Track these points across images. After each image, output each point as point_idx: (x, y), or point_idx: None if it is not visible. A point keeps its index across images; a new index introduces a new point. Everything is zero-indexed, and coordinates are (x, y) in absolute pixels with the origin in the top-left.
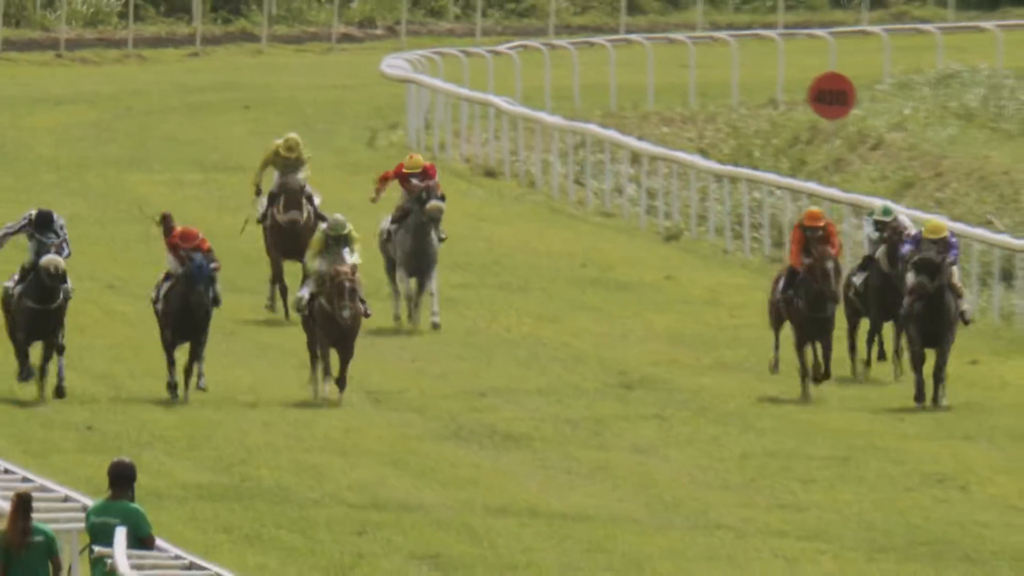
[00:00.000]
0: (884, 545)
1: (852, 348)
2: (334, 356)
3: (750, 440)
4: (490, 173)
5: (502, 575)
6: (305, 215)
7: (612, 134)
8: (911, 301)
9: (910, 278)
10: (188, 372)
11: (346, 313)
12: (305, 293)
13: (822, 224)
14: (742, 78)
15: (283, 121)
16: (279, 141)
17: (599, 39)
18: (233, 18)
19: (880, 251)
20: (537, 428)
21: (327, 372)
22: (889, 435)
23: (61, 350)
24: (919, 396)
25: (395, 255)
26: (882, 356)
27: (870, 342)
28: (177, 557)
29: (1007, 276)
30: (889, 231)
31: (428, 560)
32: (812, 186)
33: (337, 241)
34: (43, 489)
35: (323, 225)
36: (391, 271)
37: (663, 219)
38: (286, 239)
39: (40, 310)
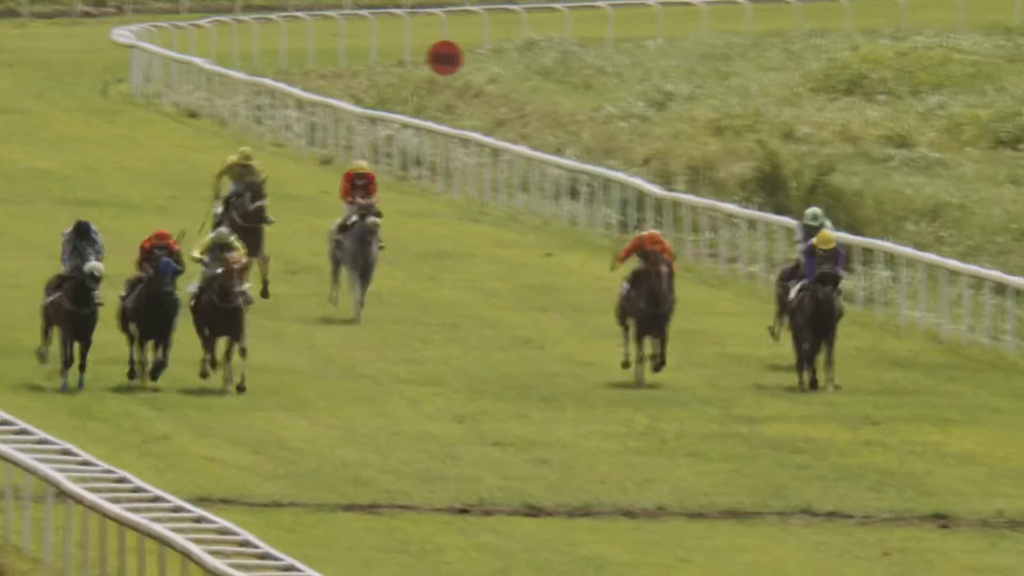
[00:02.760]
0: (482, 389)
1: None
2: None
3: (384, 311)
4: (193, 115)
5: (199, 409)
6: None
7: (282, 86)
8: (804, 301)
9: (808, 284)
10: (157, 364)
11: (236, 289)
12: (194, 288)
13: (659, 246)
14: (378, 44)
15: (38, 76)
16: (234, 157)
17: (273, 15)
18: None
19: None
20: None
21: (214, 363)
22: (486, 308)
23: (86, 348)
24: (814, 383)
25: (342, 258)
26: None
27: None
28: None
29: (573, 192)
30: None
31: (147, 401)
32: (430, 124)
33: (222, 248)
34: None
35: (211, 234)
36: (335, 270)
37: (320, 148)
38: (241, 231)
39: (76, 312)
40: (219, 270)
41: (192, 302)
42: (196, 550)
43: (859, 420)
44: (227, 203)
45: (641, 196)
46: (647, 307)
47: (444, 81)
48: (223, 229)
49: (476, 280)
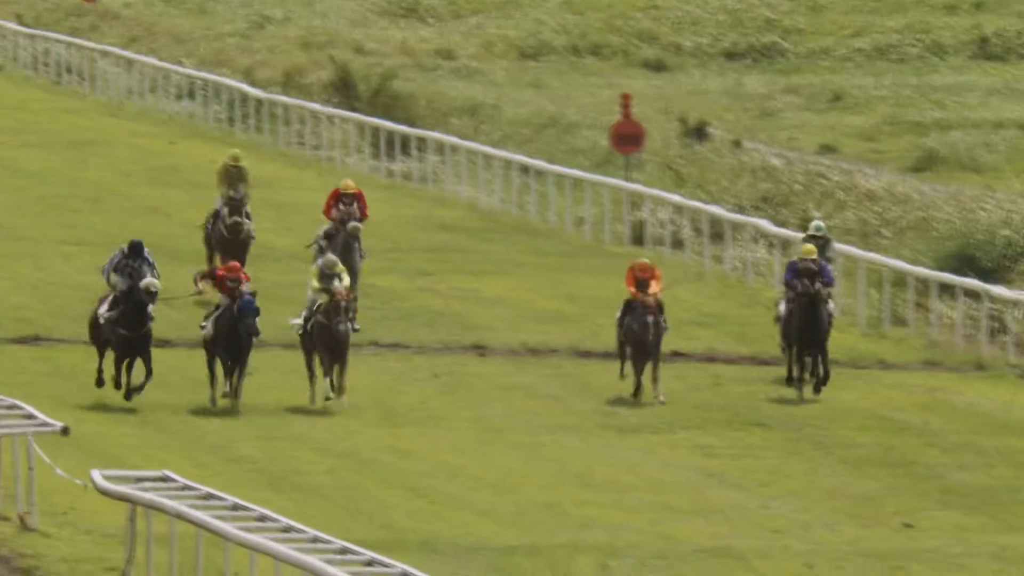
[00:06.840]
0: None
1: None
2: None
3: (43, 188)
4: None
5: None
6: (245, 226)
7: None
8: (791, 316)
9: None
10: (235, 389)
11: (341, 327)
12: (300, 319)
13: (647, 273)
14: None
15: None
16: (225, 159)
17: None
18: None
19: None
20: None
21: (329, 377)
22: (123, 184)
23: (149, 373)
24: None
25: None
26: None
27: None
28: None
29: (191, 94)
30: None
31: None
32: (78, 40)
33: (330, 276)
34: None
35: (319, 261)
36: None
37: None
38: (227, 242)
39: (130, 336)
40: (320, 301)
41: (300, 332)
42: None
43: (415, 272)
44: (215, 216)
45: (244, 97)
46: (641, 333)
47: (89, 7)
48: (330, 256)
49: (115, 163)
